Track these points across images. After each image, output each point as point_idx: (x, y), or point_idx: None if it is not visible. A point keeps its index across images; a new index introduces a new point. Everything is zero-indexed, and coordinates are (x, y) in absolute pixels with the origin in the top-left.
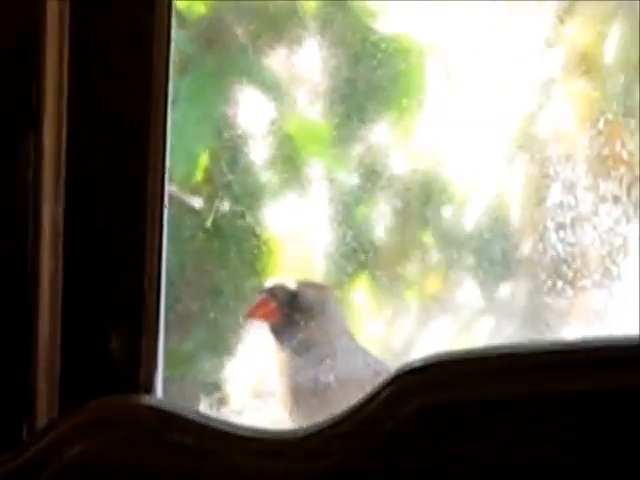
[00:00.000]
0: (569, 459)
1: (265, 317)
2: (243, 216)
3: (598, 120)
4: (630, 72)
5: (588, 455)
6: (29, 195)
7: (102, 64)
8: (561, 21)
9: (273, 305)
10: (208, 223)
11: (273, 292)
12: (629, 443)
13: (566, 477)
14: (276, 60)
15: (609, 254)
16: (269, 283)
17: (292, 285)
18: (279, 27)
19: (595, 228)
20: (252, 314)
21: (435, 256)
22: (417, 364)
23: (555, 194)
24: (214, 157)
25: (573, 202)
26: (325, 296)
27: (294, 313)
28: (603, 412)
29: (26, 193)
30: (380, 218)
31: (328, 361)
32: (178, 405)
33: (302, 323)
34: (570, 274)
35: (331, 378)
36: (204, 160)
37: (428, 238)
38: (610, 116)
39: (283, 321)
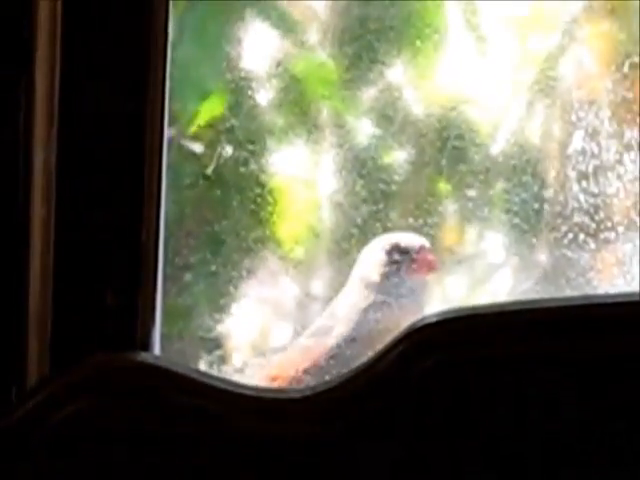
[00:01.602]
0: (586, 420)
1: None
2: (247, 163)
3: (623, 63)
4: None
5: (602, 415)
6: (20, 141)
7: (98, 3)
8: None
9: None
10: (209, 170)
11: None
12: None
13: (583, 439)
14: None
15: (634, 205)
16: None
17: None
18: None
19: (619, 177)
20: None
21: (451, 207)
22: (431, 319)
23: (577, 141)
24: (216, 100)
25: (596, 150)
26: None
27: None
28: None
29: (17, 139)
30: (392, 165)
31: None
32: (176, 363)
33: None
34: (593, 226)
35: None
36: (206, 103)
37: (444, 187)
38: (636, 59)
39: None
